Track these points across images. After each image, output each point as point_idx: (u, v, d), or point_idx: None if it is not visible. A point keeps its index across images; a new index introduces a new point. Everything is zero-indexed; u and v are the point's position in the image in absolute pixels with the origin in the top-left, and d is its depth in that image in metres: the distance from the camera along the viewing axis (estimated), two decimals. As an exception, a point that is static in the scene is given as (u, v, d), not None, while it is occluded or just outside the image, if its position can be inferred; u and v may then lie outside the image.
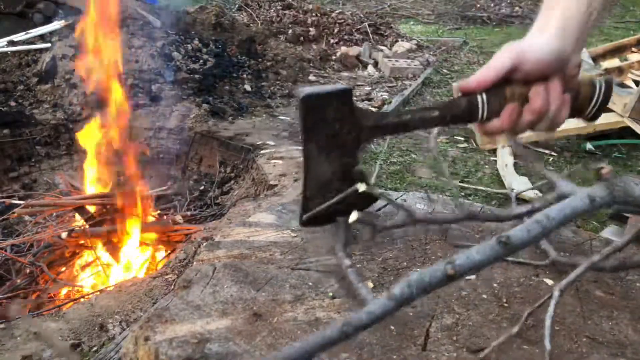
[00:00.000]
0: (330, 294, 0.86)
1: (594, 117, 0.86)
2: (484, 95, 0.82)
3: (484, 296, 0.87)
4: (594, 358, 0.73)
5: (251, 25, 6.69)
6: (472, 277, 0.93)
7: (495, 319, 0.82)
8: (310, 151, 0.83)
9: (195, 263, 0.98)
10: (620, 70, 4.33)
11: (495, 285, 0.91)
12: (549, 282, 0.92)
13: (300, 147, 0.84)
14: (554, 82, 0.82)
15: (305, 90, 0.82)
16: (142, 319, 0.79)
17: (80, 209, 2.90)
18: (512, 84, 0.82)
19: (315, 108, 0.81)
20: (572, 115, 0.85)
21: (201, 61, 4.95)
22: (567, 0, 0.83)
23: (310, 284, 0.89)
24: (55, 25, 4.83)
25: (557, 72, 0.81)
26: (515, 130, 0.84)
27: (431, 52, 7.34)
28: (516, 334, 0.77)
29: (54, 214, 3.05)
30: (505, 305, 0.85)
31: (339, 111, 0.82)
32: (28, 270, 2.62)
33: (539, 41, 0.81)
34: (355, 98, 5.30)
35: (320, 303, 0.83)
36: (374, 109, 4.81)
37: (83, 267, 2.77)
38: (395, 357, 0.72)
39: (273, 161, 3.35)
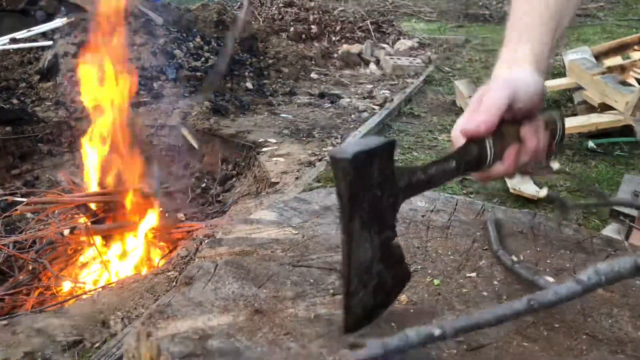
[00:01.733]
0: (331, 290, 0.87)
1: (555, 153, 0.86)
2: (491, 140, 0.77)
3: (485, 293, 0.87)
4: (594, 355, 0.74)
5: (253, 23, 6.68)
6: (473, 274, 0.93)
7: (495, 316, 0.82)
8: (353, 229, 0.66)
9: (197, 260, 0.98)
10: (622, 68, 4.32)
11: (495, 282, 0.91)
12: (550, 279, 0.92)
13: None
14: (539, 119, 0.81)
15: (350, 148, 0.64)
16: (144, 315, 0.80)
17: (83, 207, 2.91)
18: (504, 123, 0.78)
19: (363, 170, 0.65)
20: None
21: (203, 59, 4.96)
22: (535, 32, 0.82)
23: (312, 281, 0.89)
24: (58, 22, 4.84)
25: (538, 108, 0.81)
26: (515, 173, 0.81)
27: (433, 50, 7.33)
28: (516, 332, 0.77)
29: (56, 211, 3.06)
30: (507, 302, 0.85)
31: (382, 172, 0.68)
32: (30, 267, 2.63)
33: (526, 77, 0.78)
34: (357, 96, 5.29)
35: (321, 300, 0.84)
36: (375, 107, 4.80)
37: (85, 264, 2.79)
38: (395, 353, 0.73)
39: (275, 159, 3.36)
